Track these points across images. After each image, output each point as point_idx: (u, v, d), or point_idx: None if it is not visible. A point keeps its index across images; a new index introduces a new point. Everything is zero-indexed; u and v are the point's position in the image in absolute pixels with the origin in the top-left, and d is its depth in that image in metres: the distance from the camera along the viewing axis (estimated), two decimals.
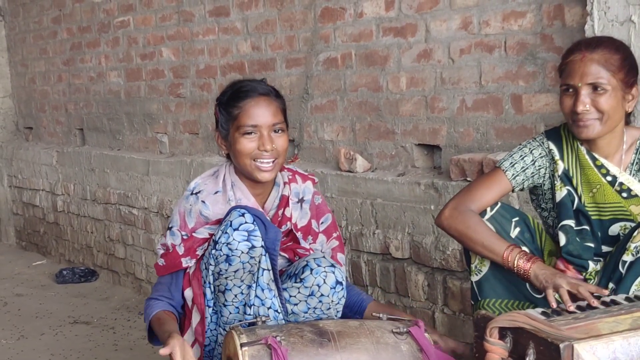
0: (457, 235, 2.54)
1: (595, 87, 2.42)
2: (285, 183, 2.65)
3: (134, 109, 6.20)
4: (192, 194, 2.57)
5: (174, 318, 2.51)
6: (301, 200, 2.67)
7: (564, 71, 2.49)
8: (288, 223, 2.60)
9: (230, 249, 2.37)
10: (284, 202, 2.62)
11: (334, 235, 2.74)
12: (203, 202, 2.54)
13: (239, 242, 2.37)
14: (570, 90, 2.46)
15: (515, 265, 2.41)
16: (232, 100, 2.56)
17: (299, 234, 2.62)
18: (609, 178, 2.52)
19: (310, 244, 2.66)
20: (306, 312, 2.46)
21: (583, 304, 2.23)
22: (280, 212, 2.60)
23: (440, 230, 2.65)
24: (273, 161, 2.53)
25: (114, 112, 6.44)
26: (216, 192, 2.56)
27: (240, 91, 2.57)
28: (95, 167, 6.44)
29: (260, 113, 2.53)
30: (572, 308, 2.19)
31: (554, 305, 2.24)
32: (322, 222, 2.72)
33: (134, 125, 6.23)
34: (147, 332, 2.53)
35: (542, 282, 2.34)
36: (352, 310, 2.64)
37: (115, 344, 4.70)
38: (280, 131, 2.55)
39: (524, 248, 2.56)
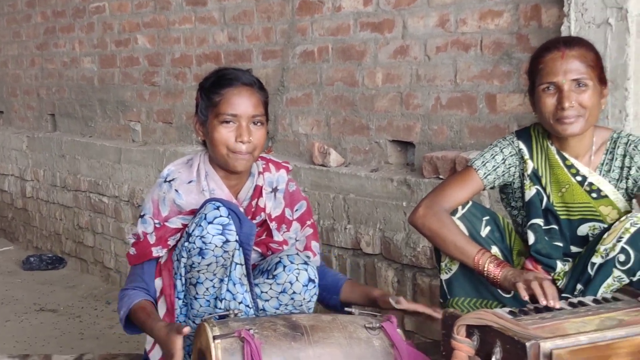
0: (429, 235, 2.55)
1: (578, 83, 2.43)
2: (259, 173, 2.62)
3: (107, 95, 6.14)
4: (165, 181, 2.54)
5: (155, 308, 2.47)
6: (275, 190, 2.64)
7: (542, 70, 2.48)
8: (262, 214, 2.58)
9: (204, 242, 2.34)
10: (257, 192, 2.59)
11: (308, 222, 2.72)
12: (176, 190, 2.51)
13: (213, 235, 2.34)
14: (551, 88, 2.46)
15: (485, 269, 2.42)
16: (214, 86, 2.52)
17: (273, 224, 2.60)
18: (578, 178, 2.54)
19: (284, 232, 2.64)
20: (277, 309, 2.45)
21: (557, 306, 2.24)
22: (254, 202, 2.58)
23: (411, 227, 2.65)
24: (249, 154, 2.50)
25: (87, 98, 6.38)
26: (190, 182, 2.53)
27: (224, 78, 2.53)
28: (66, 154, 6.38)
29: (242, 103, 2.49)
30: (544, 302, 2.19)
31: (526, 296, 2.25)
32: (296, 210, 2.70)
33: (107, 113, 6.17)
34: (123, 321, 2.47)
35: (511, 280, 2.35)
36: (330, 291, 2.63)
37: (81, 333, 4.67)
38: (259, 124, 2.52)
39: (494, 247, 2.57)
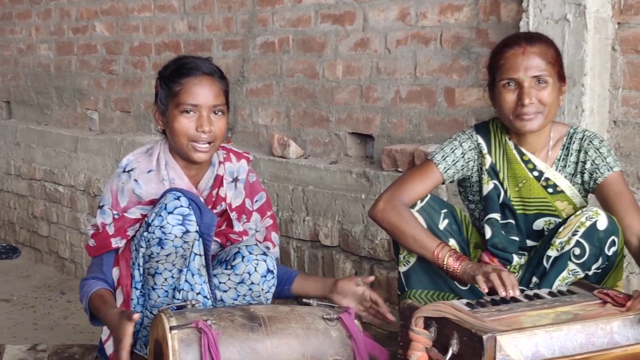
0: (389, 228, 2.55)
1: (538, 80, 2.45)
2: (220, 162, 2.60)
3: (63, 83, 6.06)
4: (124, 171, 2.51)
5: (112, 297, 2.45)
6: (235, 180, 2.63)
7: (502, 66, 2.48)
8: (223, 203, 2.57)
9: (163, 232, 2.31)
10: (218, 182, 2.57)
11: (268, 213, 2.71)
12: (136, 180, 2.48)
13: (173, 225, 2.31)
14: (512, 84, 2.47)
15: (445, 263, 2.43)
16: (174, 75, 2.49)
17: (233, 214, 2.59)
18: (535, 173, 2.57)
19: (244, 222, 2.63)
20: (235, 300, 2.44)
21: (516, 294, 2.26)
22: (214, 192, 2.56)
23: (370, 219, 2.66)
24: (209, 144, 2.47)
25: (43, 85, 6.29)
26: (149, 171, 2.50)
27: (184, 67, 2.50)
28: (21, 142, 6.28)
29: (202, 92, 2.47)
30: (502, 292, 2.21)
31: (486, 289, 2.26)
32: (256, 201, 2.69)
33: (63, 101, 6.09)
34: (88, 312, 2.44)
35: (471, 273, 2.36)
36: (282, 283, 2.62)
37: (35, 323, 4.61)
38: (220, 113, 2.50)
39: (452, 240, 2.59)
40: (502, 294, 2.21)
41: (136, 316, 2.18)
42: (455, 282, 2.56)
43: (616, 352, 2.00)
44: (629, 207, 2.47)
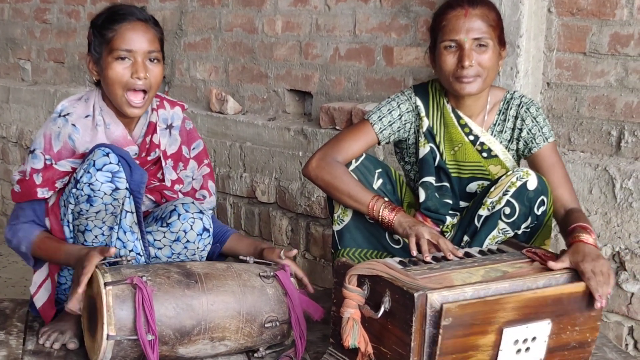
0: (323, 185, 2.56)
1: (479, 43, 2.47)
2: (153, 109, 2.56)
3: None
4: (60, 116, 2.45)
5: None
6: (170, 127, 2.60)
7: (444, 27, 2.49)
8: (157, 150, 2.53)
9: (92, 189, 2.28)
10: (151, 128, 2.54)
11: (205, 162, 2.69)
12: (74, 125, 2.42)
13: (102, 183, 2.28)
14: (453, 46, 2.48)
15: (380, 215, 2.46)
16: (107, 22, 2.43)
17: (169, 162, 2.56)
18: (471, 137, 2.60)
19: (180, 170, 2.61)
20: (170, 257, 2.43)
21: (439, 255, 2.31)
22: (147, 139, 2.53)
23: None
24: (144, 95, 2.43)
25: None
26: (87, 116, 2.45)
27: (117, 14, 2.45)
28: None
29: (136, 38, 2.42)
30: (428, 258, 2.26)
31: (414, 252, 2.31)
32: (193, 148, 2.66)
33: None
34: (31, 258, 2.41)
35: (406, 230, 2.40)
36: (215, 240, 2.61)
37: None
38: (155, 61, 2.45)
39: (385, 199, 2.61)
40: (427, 259, 2.26)
41: (112, 250, 2.20)
42: (389, 241, 2.59)
43: (527, 295, 2.07)
44: (561, 180, 2.54)
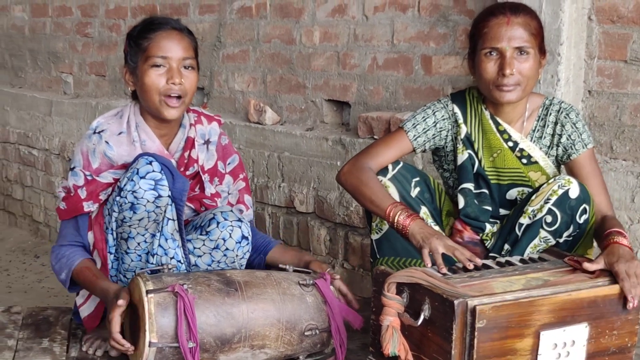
0: (350, 190, 2.56)
1: (520, 51, 2.45)
2: (191, 125, 2.60)
3: (38, 46, 5.98)
4: (94, 132, 2.49)
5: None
6: (207, 142, 2.62)
7: (485, 34, 2.47)
8: (195, 165, 2.56)
9: (135, 197, 2.31)
10: (189, 144, 2.57)
11: (241, 176, 2.71)
12: (107, 142, 2.47)
13: (145, 190, 2.31)
14: (494, 53, 2.47)
15: (395, 221, 2.40)
16: (143, 32, 2.48)
17: (205, 177, 2.59)
18: (510, 144, 2.58)
19: (216, 185, 2.63)
20: (209, 265, 2.45)
21: (478, 263, 2.29)
22: (186, 154, 2.56)
23: None
24: (179, 98, 2.46)
25: (17, 48, 6.20)
26: (120, 133, 2.49)
27: (152, 24, 2.49)
28: None
29: (171, 45, 2.45)
30: (444, 270, 2.20)
31: (429, 264, 2.25)
32: (228, 163, 2.69)
33: (38, 64, 6.02)
34: (68, 284, 2.44)
35: (420, 242, 2.34)
36: (258, 251, 2.63)
37: (9, 286, 4.60)
38: (190, 68, 2.49)
39: (423, 207, 2.60)
40: (443, 270, 2.20)
41: (121, 302, 2.19)
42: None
43: (561, 297, 2.05)
44: (598, 187, 2.53)
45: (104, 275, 2.41)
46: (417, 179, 2.62)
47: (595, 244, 2.55)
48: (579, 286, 2.11)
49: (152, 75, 2.44)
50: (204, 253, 2.43)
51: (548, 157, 2.58)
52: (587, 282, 2.14)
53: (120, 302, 2.18)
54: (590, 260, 2.24)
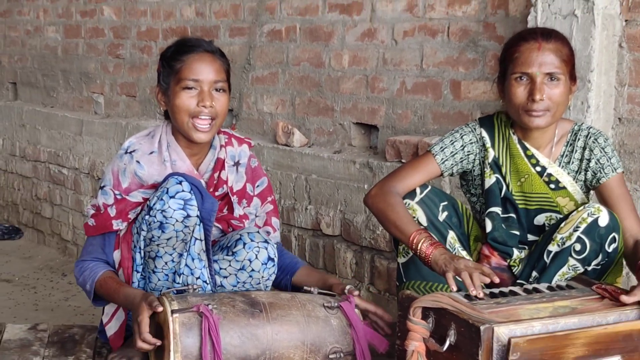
0: (376, 213, 2.54)
1: (551, 77, 2.44)
2: (221, 146, 2.61)
3: (70, 66, 6.06)
4: (126, 152, 2.52)
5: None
6: (237, 164, 2.64)
7: (516, 59, 2.46)
8: (224, 186, 2.58)
9: (164, 216, 2.33)
10: (219, 165, 2.58)
11: (269, 199, 2.72)
12: (138, 162, 2.49)
13: (174, 210, 2.32)
14: (524, 78, 2.46)
15: (418, 249, 2.37)
16: (175, 53, 2.51)
17: (234, 198, 2.59)
18: (538, 168, 2.57)
19: (244, 207, 2.64)
20: (235, 286, 2.45)
21: (505, 290, 2.27)
22: (215, 175, 2.57)
23: None
24: (210, 121, 2.48)
25: (50, 68, 6.29)
26: (151, 153, 2.51)
27: (185, 46, 2.52)
28: (26, 123, 6.29)
29: (203, 68, 2.48)
30: (474, 292, 2.17)
31: (454, 288, 2.21)
32: (257, 186, 2.70)
33: (70, 84, 6.10)
34: (92, 294, 2.46)
35: (442, 267, 2.30)
36: (284, 272, 2.63)
37: (35, 304, 4.63)
38: (221, 91, 2.51)
39: (451, 232, 2.59)
40: (473, 293, 2.16)
41: (158, 308, 2.18)
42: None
43: (597, 330, 2.02)
44: (629, 211, 2.50)
45: (127, 284, 2.41)
46: (445, 203, 2.61)
47: (624, 272, 2.52)
48: (615, 319, 2.07)
49: (183, 97, 2.46)
50: (230, 274, 2.44)
51: (576, 182, 2.56)
52: (623, 314, 2.10)
53: (156, 305, 2.17)
54: (625, 291, 2.20)
